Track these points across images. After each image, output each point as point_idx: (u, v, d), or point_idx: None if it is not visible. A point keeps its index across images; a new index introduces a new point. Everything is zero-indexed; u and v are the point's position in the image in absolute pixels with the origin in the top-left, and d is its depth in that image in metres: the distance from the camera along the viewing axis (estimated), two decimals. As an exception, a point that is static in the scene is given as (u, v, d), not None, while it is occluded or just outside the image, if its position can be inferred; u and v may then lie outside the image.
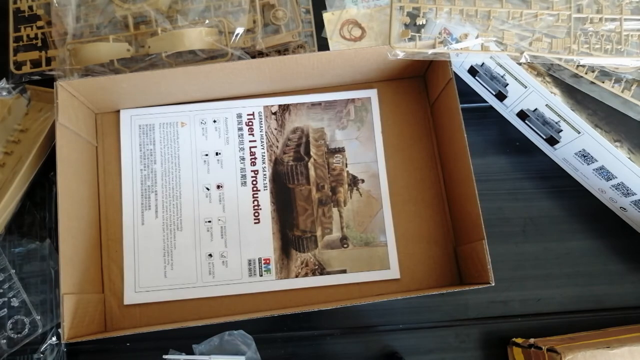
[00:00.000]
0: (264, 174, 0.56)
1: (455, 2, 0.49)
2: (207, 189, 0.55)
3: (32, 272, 0.52)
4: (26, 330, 0.51)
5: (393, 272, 0.54)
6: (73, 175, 0.50)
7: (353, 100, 0.58)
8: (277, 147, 0.57)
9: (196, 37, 0.53)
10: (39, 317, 0.51)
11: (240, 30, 0.54)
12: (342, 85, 0.59)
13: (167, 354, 0.51)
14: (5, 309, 0.51)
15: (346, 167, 0.56)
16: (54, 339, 0.51)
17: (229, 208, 0.55)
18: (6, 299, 0.51)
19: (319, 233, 0.55)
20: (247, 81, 0.54)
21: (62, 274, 0.45)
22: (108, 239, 0.54)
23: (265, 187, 0.56)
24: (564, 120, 0.51)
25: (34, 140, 0.52)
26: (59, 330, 0.46)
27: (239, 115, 0.57)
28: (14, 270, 0.52)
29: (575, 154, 0.53)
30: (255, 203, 0.55)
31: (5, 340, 0.50)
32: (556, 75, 0.50)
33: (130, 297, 0.52)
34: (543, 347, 0.46)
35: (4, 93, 0.54)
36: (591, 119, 0.49)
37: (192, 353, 0.52)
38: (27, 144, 0.52)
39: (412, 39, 0.50)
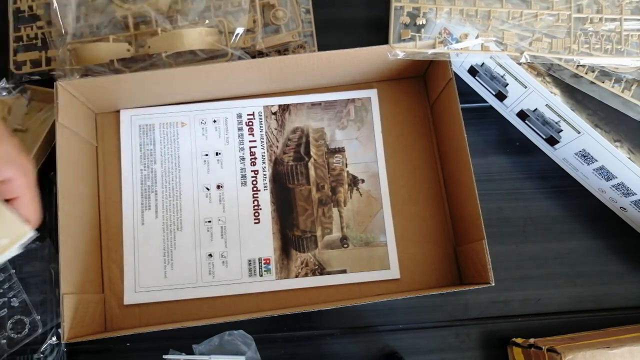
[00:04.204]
0: (264, 174, 0.56)
1: (455, 2, 0.49)
2: (207, 189, 0.55)
3: (32, 272, 0.52)
4: (26, 330, 0.51)
5: (393, 272, 0.54)
6: (73, 175, 0.50)
7: (353, 100, 0.58)
8: (277, 147, 0.57)
9: (196, 37, 0.53)
10: (39, 317, 0.51)
11: (240, 30, 0.54)
12: (342, 85, 0.59)
13: (167, 354, 0.51)
14: (5, 309, 0.51)
15: (346, 167, 0.56)
16: (54, 339, 0.51)
17: (229, 208, 0.55)
18: (6, 299, 0.51)
19: (319, 233, 0.55)
20: (247, 81, 0.54)
21: (62, 274, 0.45)
22: (108, 239, 0.54)
23: (265, 187, 0.56)
24: (564, 120, 0.51)
25: (34, 140, 0.52)
26: (59, 330, 0.46)
27: (239, 115, 0.57)
28: (14, 270, 0.52)
29: (575, 154, 0.53)
30: (255, 203, 0.55)
31: (5, 340, 0.50)
32: (556, 75, 0.50)
33: (130, 297, 0.52)
34: (543, 347, 0.46)
35: (4, 93, 0.54)
36: (591, 119, 0.49)
37: (192, 353, 0.52)
38: (27, 144, 0.52)
39: (412, 39, 0.50)
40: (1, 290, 0.51)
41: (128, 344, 0.52)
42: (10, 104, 0.53)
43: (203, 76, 0.52)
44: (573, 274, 0.55)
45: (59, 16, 0.54)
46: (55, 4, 0.54)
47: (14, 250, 0.39)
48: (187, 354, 0.52)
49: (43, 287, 0.52)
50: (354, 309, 0.53)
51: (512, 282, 0.55)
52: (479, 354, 0.53)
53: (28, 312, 0.51)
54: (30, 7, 0.58)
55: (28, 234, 0.39)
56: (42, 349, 0.51)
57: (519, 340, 0.51)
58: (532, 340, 0.49)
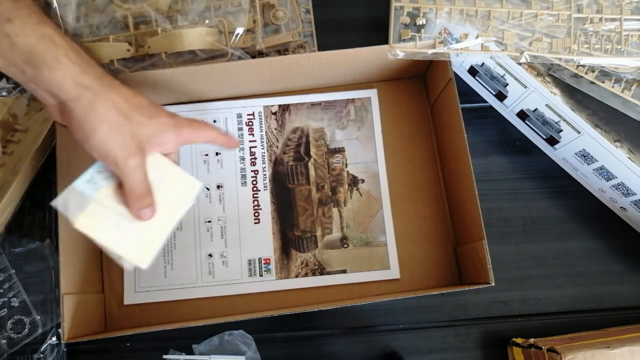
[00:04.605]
0: (264, 174, 0.56)
1: (455, 2, 0.49)
2: (207, 189, 0.55)
3: (32, 272, 0.52)
4: (26, 330, 0.51)
5: (393, 272, 0.54)
6: (73, 175, 0.50)
7: (353, 100, 0.58)
8: (277, 147, 0.57)
9: (196, 37, 0.53)
10: (39, 317, 0.51)
11: (240, 30, 0.54)
12: (342, 85, 0.59)
13: (167, 354, 0.51)
14: (5, 309, 0.51)
15: (346, 167, 0.56)
16: (54, 339, 0.51)
17: (229, 208, 0.55)
18: (6, 299, 0.51)
19: (319, 233, 0.55)
20: (247, 81, 0.54)
21: (62, 274, 0.45)
22: (108, 239, 0.54)
23: (266, 187, 0.56)
24: (564, 120, 0.51)
25: (34, 140, 0.52)
26: (59, 330, 0.46)
27: (239, 116, 0.57)
28: (14, 270, 0.52)
29: (575, 154, 0.53)
30: (255, 203, 0.55)
31: (5, 340, 0.50)
32: (556, 75, 0.50)
33: (130, 297, 0.52)
34: (543, 347, 0.46)
35: (4, 93, 0.54)
36: (591, 119, 0.49)
37: (192, 353, 0.52)
38: (27, 144, 0.52)
39: (412, 39, 0.50)
40: (1, 290, 0.51)
41: (128, 344, 0.52)
42: (10, 104, 0.53)
43: (203, 76, 0.52)
44: (573, 274, 0.55)
45: (59, 16, 0.54)
46: (55, 4, 0.54)
47: (191, 202, 0.45)
48: (187, 354, 0.52)
49: (43, 287, 0.52)
50: (354, 309, 0.53)
51: (512, 282, 0.55)
52: (479, 354, 0.53)
53: (28, 312, 0.51)
54: (30, 7, 0.58)
55: (199, 185, 0.45)
56: (42, 349, 0.51)
57: (519, 340, 0.51)
58: (532, 340, 0.49)
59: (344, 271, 0.54)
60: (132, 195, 0.41)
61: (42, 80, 0.36)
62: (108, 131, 0.38)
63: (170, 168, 0.44)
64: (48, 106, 0.39)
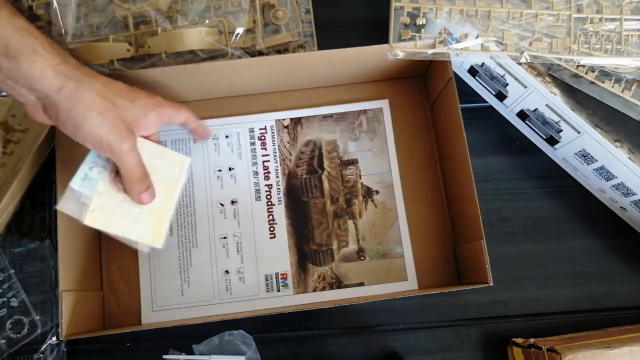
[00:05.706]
0: (278, 188, 0.56)
1: (455, 2, 0.50)
2: (222, 204, 0.55)
3: (32, 272, 0.52)
4: (26, 330, 0.51)
5: (411, 283, 0.53)
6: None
7: (365, 111, 0.58)
8: (290, 160, 0.56)
9: (196, 37, 0.53)
10: (38, 317, 0.51)
11: (240, 30, 0.54)
12: (343, 85, 0.59)
13: (167, 354, 0.51)
14: (5, 309, 0.51)
15: (360, 178, 0.56)
16: (53, 339, 0.51)
17: (244, 223, 0.54)
18: (6, 299, 0.51)
19: (335, 246, 0.54)
20: (247, 80, 0.54)
21: (60, 271, 0.45)
22: (108, 237, 0.53)
23: (280, 201, 0.55)
24: (564, 120, 0.51)
25: (34, 140, 0.52)
26: (59, 330, 0.46)
27: (251, 130, 0.57)
28: (14, 270, 0.52)
29: (575, 154, 0.53)
30: (270, 217, 0.55)
31: (4, 340, 0.50)
32: (556, 75, 0.50)
33: (148, 316, 0.51)
34: (543, 347, 0.46)
35: (4, 93, 0.54)
36: (591, 119, 0.49)
37: (192, 353, 0.52)
38: (27, 144, 0.52)
39: (412, 39, 0.50)
40: (1, 290, 0.51)
41: (128, 344, 0.52)
42: (10, 104, 0.53)
43: (203, 75, 0.52)
44: (573, 274, 0.55)
45: (59, 16, 0.54)
46: (55, 4, 0.54)
47: (185, 177, 0.48)
48: (187, 354, 0.52)
49: (43, 287, 0.52)
50: (354, 308, 0.53)
51: (512, 282, 0.55)
52: (479, 354, 0.53)
53: (27, 312, 0.51)
54: (30, 7, 0.58)
55: (188, 160, 0.48)
56: (42, 349, 0.51)
57: (519, 340, 0.51)
58: (532, 340, 0.49)
59: (362, 284, 0.53)
60: (130, 180, 0.41)
61: (22, 74, 0.35)
62: (98, 117, 0.38)
63: (157, 149, 0.46)
64: (27, 105, 0.39)
